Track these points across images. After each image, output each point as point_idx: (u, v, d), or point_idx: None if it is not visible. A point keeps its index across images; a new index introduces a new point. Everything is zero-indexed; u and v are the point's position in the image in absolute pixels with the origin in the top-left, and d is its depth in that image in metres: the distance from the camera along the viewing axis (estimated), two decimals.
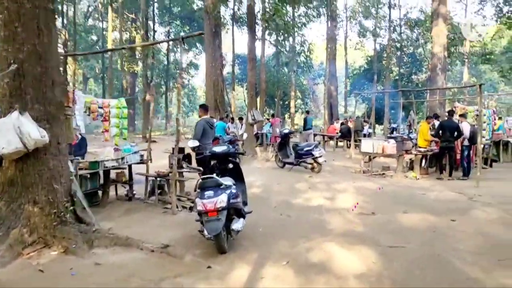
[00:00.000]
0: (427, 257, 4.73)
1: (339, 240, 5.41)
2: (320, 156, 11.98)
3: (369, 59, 44.28)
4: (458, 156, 12.32)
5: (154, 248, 5.02)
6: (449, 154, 11.68)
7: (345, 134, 19.96)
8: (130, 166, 8.31)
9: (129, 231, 5.65)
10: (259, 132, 20.81)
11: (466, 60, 35.38)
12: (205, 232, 4.86)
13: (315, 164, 12.07)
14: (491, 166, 14.16)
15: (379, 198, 8.32)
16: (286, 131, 13.52)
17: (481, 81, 44.49)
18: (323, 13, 36.21)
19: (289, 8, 29.90)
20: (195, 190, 6.22)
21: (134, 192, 8.37)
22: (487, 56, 36.94)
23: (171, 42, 35.16)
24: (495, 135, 14.98)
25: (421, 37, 37.88)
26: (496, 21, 26.70)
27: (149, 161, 8.33)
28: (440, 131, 11.66)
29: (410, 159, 12.53)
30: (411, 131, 17.42)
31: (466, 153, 11.76)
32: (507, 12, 25.54)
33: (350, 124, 20.20)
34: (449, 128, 11.51)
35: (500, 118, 16.79)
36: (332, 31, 36.43)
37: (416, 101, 22.31)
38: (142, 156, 8.47)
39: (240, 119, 18.79)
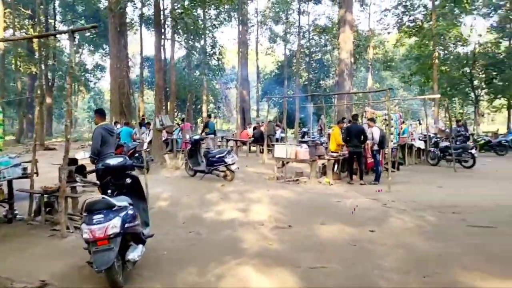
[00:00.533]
0: (352, 279, 4.26)
1: (254, 262, 4.79)
2: (233, 163, 11.38)
3: (280, 64, 44.96)
4: (370, 160, 12.41)
5: None
6: (358, 158, 11.68)
7: (258, 139, 19.65)
8: (10, 182, 7.03)
9: (1, 265, 4.57)
10: (169, 138, 19.78)
11: (370, 67, 37.20)
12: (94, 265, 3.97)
13: (227, 172, 11.44)
14: (398, 169, 14.53)
15: (294, 208, 7.88)
16: (197, 137, 12.75)
17: (383, 86, 47.23)
18: (234, 16, 36.00)
19: (200, 11, 29.26)
20: (80, 213, 5.25)
21: (16, 212, 7.11)
22: (389, 63, 39.11)
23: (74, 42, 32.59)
24: (401, 139, 15.46)
25: (329, 44, 39.06)
26: (398, 29, 28.20)
27: (35, 175, 7.13)
28: (347, 136, 11.65)
29: (323, 164, 12.39)
30: (322, 135, 17.51)
31: (377, 157, 11.85)
32: (407, 21, 27.07)
33: (263, 129, 19.92)
34: (355, 132, 11.53)
35: (403, 122, 17.46)
36: (243, 35, 36.29)
37: (325, 106, 22.67)
38: (25, 169, 7.23)
39: (148, 124, 17.64)
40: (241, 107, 35.24)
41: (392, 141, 13.09)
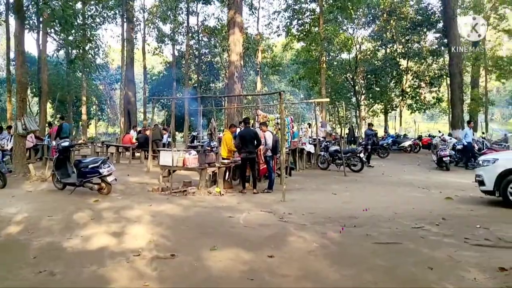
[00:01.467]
0: None
1: None
2: (110, 174, 9.82)
3: (168, 65, 43.24)
4: (263, 167, 11.71)
5: None
6: (251, 165, 10.88)
7: (143, 144, 18.05)
8: None
9: None
10: (38, 144, 17.29)
11: (259, 70, 37.25)
12: None
13: (103, 184, 9.85)
14: (290, 174, 14.08)
15: (180, 228, 6.71)
16: (66, 143, 10.88)
17: (271, 90, 47.94)
18: (119, 13, 33.65)
19: (79, 5, 26.58)
20: None
21: None
22: (277, 68, 39.61)
23: None
24: (292, 143, 15.08)
25: (219, 45, 38.40)
26: (287, 33, 28.39)
27: None
28: (240, 141, 10.78)
29: (213, 172, 11.38)
30: (212, 139, 16.49)
31: (271, 163, 11.16)
32: (296, 25, 27.29)
33: (148, 133, 18.37)
34: (248, 137, 10.70)
35: (294, 127, 17.21)
36: (128, 33, 34.03)
37: (215, 109, 21.77)
38: None
39: (8, 128, 15.13)
40: (126, 109, 32.98)
41: (285, 146, 12.54)
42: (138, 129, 22.59)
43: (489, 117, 36.40)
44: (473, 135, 16.87)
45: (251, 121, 12.92)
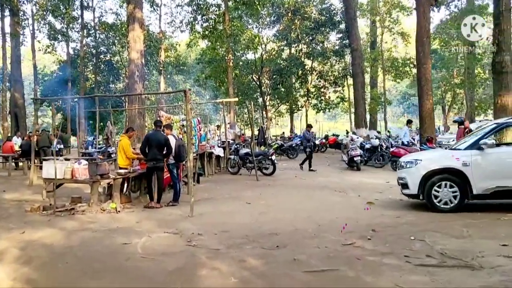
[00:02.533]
0: None
1: None
2: None
3: (62, 64, 39.57)
4: (166, 175, 10.33)
5: None
6: (157, 175, 9.45)
7: (28, 153, 15.63)
8: None
9: None
10: None
11: (162, 70, 35.39)
12: None
13: None
14: (198, 181, 12.82)
15: (58, 265, 5.16)
16: None
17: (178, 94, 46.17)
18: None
19: None
20: None
21: None
22: (181, 67, 38.02)
23: None
24: (200, 147, 13.84)
25: (118, 43, 35.88)
26: (191, 29, 26.93)
27: None
28: (146, 147, 9.31)
29: (108, 184, 9.76)
30: (109, 145, 14.71)
31: (175, 172, 9.79)
32: (201, 21, 25.90)
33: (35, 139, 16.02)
34: (155, 142, 9.28)
35: (201, 129, 15.97)
36: (13, 28, 30.24)
37: (112, 110, 19.78)
38: None
39: None
40: (13, 112, 29.35)
41: (192, 150, 11.28)
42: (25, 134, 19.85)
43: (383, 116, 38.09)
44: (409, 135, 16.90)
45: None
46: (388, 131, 24.74)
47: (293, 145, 21.74)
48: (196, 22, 25.25)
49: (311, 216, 7.86)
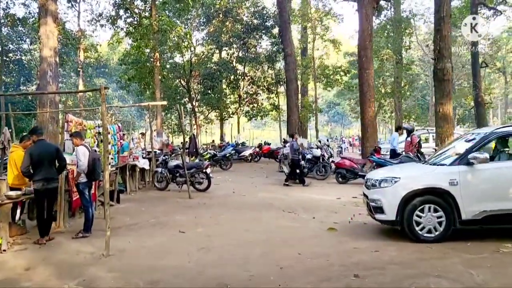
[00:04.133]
0: None
1: None
2: None
3: None
4: (76, 197, 8.11)
5: None
6: (49, 200, 7.14)
7: None
8: None
9: None
10: None
11: (81, 71, 32.11)
12: None
13: None
14: (118, 201, 10.61)
15: None
16: None
17: (97, 95, 42.49)
18: None
19: None
20: None
21: None
22: (102, 69, 34.91)
23: None
24: (121, 159, 11.59)
25: (28, 39, 32.08)
26: (112, 24, 24.18)
27: None
28: (31, 163, 6.92)
29: None
30: (6, 157, 11.96)
31: (86, 194, 7.57)
32: (125, 16, 23.25)
33: None
34: (45, 155, 6.98)
35: (123, 136, 13.69)
36: None
37: (25, 114, 16.78)
38: None
39: None
40: None
41: (110, 163, 9.12)
42: None
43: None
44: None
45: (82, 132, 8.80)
46: (319, 141, 23.75)
47: (227, 155, 19.94)
48: (119, 17, 22.65)
49: (267, 252, 6.11)
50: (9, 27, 32.14)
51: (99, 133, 9.70)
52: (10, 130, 10.58)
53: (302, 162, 14.52)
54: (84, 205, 7.52)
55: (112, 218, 7.87)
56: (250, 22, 29.43)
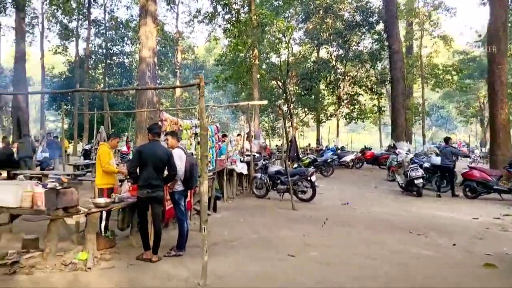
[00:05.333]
0: None
1: None
2: None
3: (72, 65, 37.00)
4: (169, 207, 7.12)
5: None
6: (154, 210, 6.14)
7: (5, 162, 12.60)
8: None
9: None
10: None
11: (178, 72, 32.40)
12: None
13: None
14: (215, 210, 9.55)
15: None
16: None
17: (193, 97, 43.05)
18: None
19: None
20: None
21: None
22: (199, 71, 35.08)
23: None
24: (218, 163, 10.56)
25: (130, 43, 33.06)
26: (210, 21, 23.74)
27: None
28: (139, 165, 6.05)
29: (77, 222, 6.56)
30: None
31: (182, 205, 6.49)
32: (222, 11, 22.59)
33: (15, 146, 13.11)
34: (153, 160, 5.98)
35: (224, 137, 12.73)
36: (18, 24, 27.50)
37: (126, 114, 16.68)
38: None
39: None
40: (15, 116, 26.56)
41: (208, 167, 7.99)
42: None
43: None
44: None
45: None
46: (437, 147, 21.03)
47: (328, 160, 18.31)
48: (217, 13, 22.07)
49: None
50: (113, 30, 33.39)
51: (195, 134, 8.69)
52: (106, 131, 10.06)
53: (420, 172, 12.44)
54: (178, 218, 6.43)
55: (208, 231, 6.74)
56: (352, 18, 27.44)
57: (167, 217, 7.48)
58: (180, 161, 6.29)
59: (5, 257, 5.64)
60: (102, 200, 6.28)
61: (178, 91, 33.21)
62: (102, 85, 35.71)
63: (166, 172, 6.18)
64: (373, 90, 28.66)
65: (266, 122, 35.08)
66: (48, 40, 35.18)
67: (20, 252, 5.88)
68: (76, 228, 6.92)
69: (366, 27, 27.14)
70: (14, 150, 13.48)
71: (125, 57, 37.03)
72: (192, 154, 6.97)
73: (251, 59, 19.91)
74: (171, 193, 6.45)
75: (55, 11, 33.83)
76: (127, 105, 33.59)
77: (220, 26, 22.82)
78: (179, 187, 6.37)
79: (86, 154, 16.81)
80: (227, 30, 20.85)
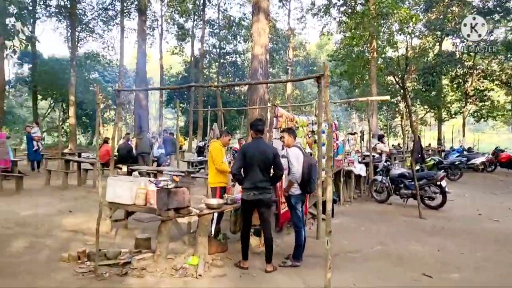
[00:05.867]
0: None
1: None
2: None
3: (187, 65, 38.60)
4: (284, 210, 6.50)
5: None
6: (262, 215, 5.52)
7: (125, 158, 13.11)
8: None
9: None
10: None
11: (290, 69, 31.97)
12: None
13: None
14: (332, 214, 8.70)
15: None
16: None
17: (304, 94, 42.39)
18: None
19: None
20: None
21: None
22: (311, 68, 34.30)
23: None
24: (336, 163, 9.71)
25: (241, 39, 33.35)
26: (325, 13, 22.87)
27: None
28: (242, 165, 5.46)
29: (189, 222, 6.21)
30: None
31: (299, 210, 5.80)
32: (338, 5, 21.60)
33: (134, 142, 13.57)
34: (258, 159, 5.34)
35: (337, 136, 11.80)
36: (140, 26, 29.23)
37: (223, 110, 16.60)
38: None
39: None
40: (136, 114, 28.31)
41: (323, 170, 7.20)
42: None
43: None
44: None
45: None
46: None
47: (456, 163, 16.36)
48: (332, 5, 21.05)
49: None
50: (226, 30, 33.98)
51: (312, 131, 7.93)
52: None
53: None
54: (295, 225, 5.75)
55: (329, 246, 5.97)
56: (483, 5, 24.51)
57: (282, 222, 6.87)
58: (297, 161, 5.61)
59: (118, 257, 5.46)
60: (214, 201, 5.85)
61: (289, 88, 32.82)
62: (215, 84, 36.67)
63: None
64: (510, 84, 25.26)
65: (381, 121, 33.13)
66: (166, 42, 36.95)
67: (132, 252, 5.67)
68: (188, 228, 6.63)
69: (500, 13, 24.04)
70: (133, 145, 13.98)
71: (237, 56, 37.62)
72: (309, 153, 6.22)
73: (369, 52, 18.56)
74: (287, 197, 5.79)
75: (173, 13, 35.54)
76: (239, 103, 34.04)
77: (335, 19, 21.76)
78: (296, 190, 5.70)
79: (200, 151, 17.01)
80: (342, 23, 19.73)
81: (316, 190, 6.22)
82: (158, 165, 14.06)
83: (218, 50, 35.86)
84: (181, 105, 36.79)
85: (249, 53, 35.45)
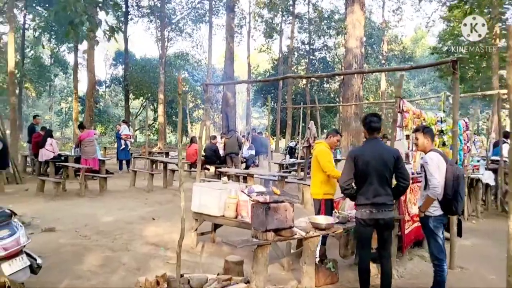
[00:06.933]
0: None
1: None
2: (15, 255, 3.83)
3: (275, 62, 37.66)
4: (414, 226, 5.05)
5: None
6: (383, 238, 4.16)
7: (211, 159, 12.29)
8: None
9: None
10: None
11: (385, 62, 29.73)
12: None
13: None
14: (460, 234, 6.97)
15: None
16: None
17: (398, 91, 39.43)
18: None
19: None
20: None
21: None
22: (407, 62, 31.74)
23: None
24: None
25: (334, 32, 31.58)
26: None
27: None
28: (352, 174, 4.11)
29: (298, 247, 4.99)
30: (310, 156, 10.09)
31: (440, 237, 4.32)
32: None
33: (221, 143, 12.73)
34: (373, 167, 4.01)
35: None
36: (229, 24, 28.80)
37: (319, 107, 15.24)
38: None
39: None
40: (224, 112, 27.97)
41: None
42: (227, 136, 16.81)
43: None
44: None
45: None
46: None
47: None
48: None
49: None
50: (318, 24, 32.45)
51: (441, 131, 6.34)
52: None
53: None
54: (434, 256, 4.27)
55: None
56: None
57: (406, 244, 5.41)
58: (438, 171, 4.14)
59: (203, 286, 4.37)
60: (323, 221, 4.55)
61: (383, 84, 30.63)
62: (304, 81, 35.30)
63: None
64: None
65: (503, 119, 29.51)
66: (253, 39, 36.35)
67: (221, 281, 4.55)
68: (288, 249, 5.42)
69: None
70: (221, 145, 13.16)
71: (327, 52, 35.98)
72: (452, 160, 4.68)
73: (491, 39, 16.08)
74: (423, 218, 4.33)
75: (261, 10, 34.80)
76: (329, 101, 32.46)
77: (445, 3, 19.34)
78: (435, 210, 4.22)
79: (291, 151, 15.81)
80: (454, 8, 17.38)
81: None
82: (247, 167, 13.13)
83: (307, 46, 34.44)
84: (267, 103, 36.11)
85: (339, 49, 33.69)
